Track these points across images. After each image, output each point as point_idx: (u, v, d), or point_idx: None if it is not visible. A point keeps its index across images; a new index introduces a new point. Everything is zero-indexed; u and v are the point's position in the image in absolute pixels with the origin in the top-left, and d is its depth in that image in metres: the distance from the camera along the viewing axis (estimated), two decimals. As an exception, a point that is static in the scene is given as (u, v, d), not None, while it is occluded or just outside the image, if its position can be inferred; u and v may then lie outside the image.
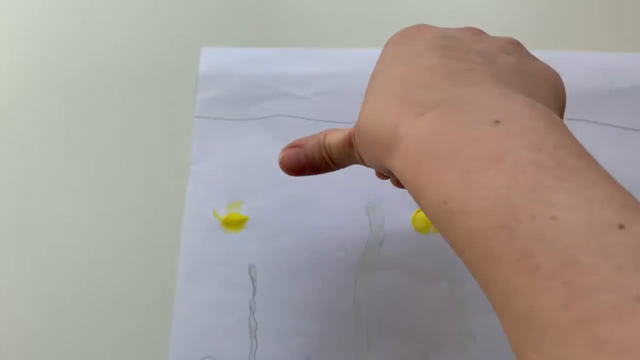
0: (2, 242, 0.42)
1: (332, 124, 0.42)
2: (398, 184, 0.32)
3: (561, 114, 0.25)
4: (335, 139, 0.30)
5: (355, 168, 0.41)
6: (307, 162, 0.32)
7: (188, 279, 0.41)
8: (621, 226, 0.16)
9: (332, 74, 0.43)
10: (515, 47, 0.26)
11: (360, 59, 0.43)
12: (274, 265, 0.41)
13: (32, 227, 0.43)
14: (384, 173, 0.29)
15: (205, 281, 0.41)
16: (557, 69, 0.41)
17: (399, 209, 0.41)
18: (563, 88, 0.26)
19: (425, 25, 0.27)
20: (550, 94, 0.24)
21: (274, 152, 0.42)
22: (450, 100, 0.21)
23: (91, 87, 0.45)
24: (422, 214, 0.40)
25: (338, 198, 0.41)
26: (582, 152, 0.19)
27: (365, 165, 0.29)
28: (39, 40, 0.46)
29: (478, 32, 0.27)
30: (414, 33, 0.26)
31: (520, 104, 0.20)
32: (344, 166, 0.32)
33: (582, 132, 0.41)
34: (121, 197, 0.43)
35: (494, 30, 0.28)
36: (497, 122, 0.19)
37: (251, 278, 0.41)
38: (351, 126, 0.30)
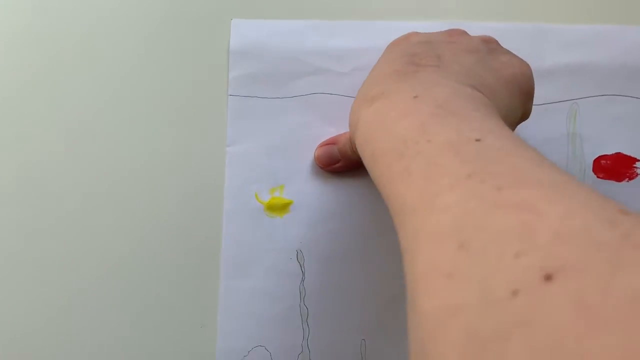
0: (52, 210, 0.39)
1: (375, 101, 0.41)
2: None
3: (522, 101, 0.31)
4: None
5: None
6: (342, 158, 0.38)
7: (232, 268, 0.39)
8: (477, 140, 0.21)
9: (372, 47, 0.41)
10: (484, 46, 0.32)
11: (399, 32, 0.41)
12: (322, 249, 0.40)
13: (73, 211, 0.39)
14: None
15: (250, 269, 0.39)
16: (598, 43, 0.41)
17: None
18: (527, 78, 0.31)
19: (414, 33, 0.34)
20: (506, 85, 0.30)
21: (316, 131, 0.41)
22: (388, 90, 0.29)
23: (117, 65, 0.41)
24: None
25: (385, 179, 0.40)
26: (478, 107, 0.25)
27: None
28: (64, 11, 0.42)
29: (456, 34, 0.33)
30: (402, 40, 0.34)
31: (442, 86, 0.27)
32: None
33: (623, 108, 0.41)
34: (158, 181, 0.40)
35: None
36: (415, 97, 0.26)
37: (299, 263, 0.39)
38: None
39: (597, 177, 0.40)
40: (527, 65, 0.32)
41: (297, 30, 0.41)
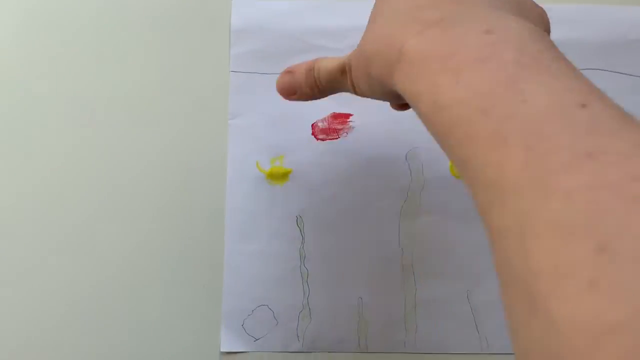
0: (55, 201, 0.41)
1: (368, 76, 0.43)
2: (397, 107, 0.35)
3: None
4: (326, 64, 0.32)
5: (397, 118, 0.43)
6: (297, 87, 0.34)
7: (236, 233, 0.42)
8: (583, 105, 0.18)
9: (365, 25, 0.44)
10: None
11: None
12: (320, 214, 0.42)
13: (74, 183, 0.42)
14: (381, 97, 0.30)
15: (253, 234, 0.42)
16: (581, 22, 0.43)
17: (437, 156, 0.43)
18: (548, 21, 0.28)
19: None
20: (540, 23, 0.26)
21: (313, 104, 0.43)
22: (450, 17, 0.23)
23: (121, 42, 0.43)
24: (458, 161, 0.43)
25: (378, 148, 0.43)
26: (560, 56, 0.21)
27: (355, 93, 0.31)
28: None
29: None
30: None
31: (511, 19, 0.23)
32: (328, 94, 0.34)
33: (601, 81, 0.44)
34: (165, 155, 0.42)
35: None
36: (488, 31, 0.21)
37: (299, 228, 0.42)
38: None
39: (576, 145, 0.43)
40: None
41: (296, 9, 0.44)
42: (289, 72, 0.34)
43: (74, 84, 0.43)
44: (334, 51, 0.43)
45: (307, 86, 0.33)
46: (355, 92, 0.31)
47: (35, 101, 0.43)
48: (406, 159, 0.43)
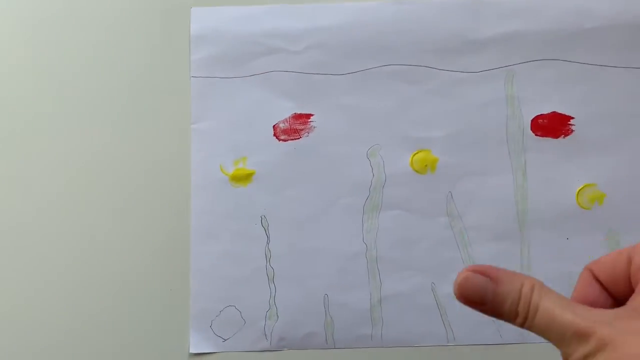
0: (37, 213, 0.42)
1: (327, 76, 0.44)
2: None
3: None
4: (558, 314, 0.22)
5: (357, 117, 0.44)
6: (494, 303, 0.24)
7: (202, 235, 0.42)
8: None
9: (321, 27, 0.44)
10: None
11: (344, 13, 0.45)
12: (285, 214, 0.43)
13: (39, 200, 0.43)
14: None
15: (219, 235, 0.42)
16: (531, 13, 0.44)
17: (397, 153, 0.43)
18: None
19: None
20: None
21: (274, 105, 0.44)
22: None
23: (82, 54, 0.44)
24: (419, 155, 0.43)
25: (340, 146, 0.43)
26: None
27: None
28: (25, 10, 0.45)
29: None
30: None
31: None
32: (534, 332, 0.24)
33: (556, 71, 0.45)
34: (131, 160, 0.43)
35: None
36: None
37: (264, 228, 0.43)
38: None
39: (535, 135, 0.43)
40: None
41: (252, 14, 0.45)
42: (485, 274, 0.24)
43: (35, 85, 0.44)
44: (292, 53, 0.44)
45: (511, 313, 0.24)
46: None
47: None
48: (367, 156, 0.43)
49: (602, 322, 0.21)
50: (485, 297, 0.24)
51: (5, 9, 0.45)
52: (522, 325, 0.24)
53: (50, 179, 0.43)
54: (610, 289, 0.24)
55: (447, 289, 0.42)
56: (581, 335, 0.21)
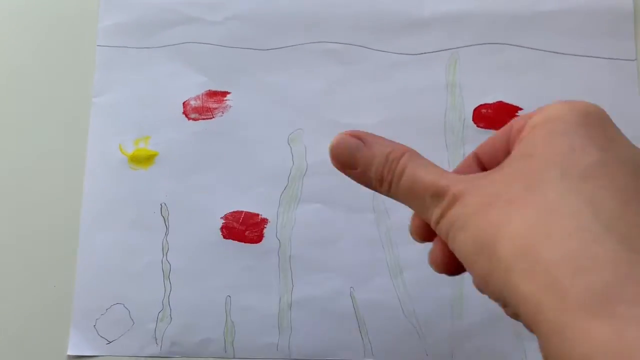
0: None
1: (248, 50, 0.39)
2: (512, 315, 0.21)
3: None
4: (423, 176, 0.22)
5: (279, 97, 0.39)
6: (363, 165, 0.24)
7: (93, 222, 0.37)
8: None
9: (246, -3, 0.40)
10: None
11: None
12: (188, 203, 0.38)
13: None
14: (491, 297, 0.20)
15: (112, 223, 0.37)
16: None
17: (322, 140, 0.38)
18: None
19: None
20: None
21: (186, 81, 0.39)
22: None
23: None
24: (345, 143, 0.38)
25: (258, 129, 0.38)
26: None
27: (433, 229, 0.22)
28: None
29: None
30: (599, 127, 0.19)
31: None
32: (395, 199, 0.23)
33: (504, 56, 0.40)
34: (16, 133, 0.38)
35: None
36: None
37: (163, 217, 0.37)
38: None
39: (478, 126, 0.39)
40: None
41: (170, -21, 0.40)
42: (358, 138, 0.24)
43: None
44: (211, 23, 0.39)
45: (377, 176, 0.23)
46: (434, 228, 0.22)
47: None
48: (288, 142, 0.38)
49: (460, 180, 0.21)
50: (356, 159, 0.24)
51: None
52: (388, 192, 0.23)
53: None
54: (490, 168, 0.22)
55: (368, 295, 0.36)
56: (438, 195, 0.21)
